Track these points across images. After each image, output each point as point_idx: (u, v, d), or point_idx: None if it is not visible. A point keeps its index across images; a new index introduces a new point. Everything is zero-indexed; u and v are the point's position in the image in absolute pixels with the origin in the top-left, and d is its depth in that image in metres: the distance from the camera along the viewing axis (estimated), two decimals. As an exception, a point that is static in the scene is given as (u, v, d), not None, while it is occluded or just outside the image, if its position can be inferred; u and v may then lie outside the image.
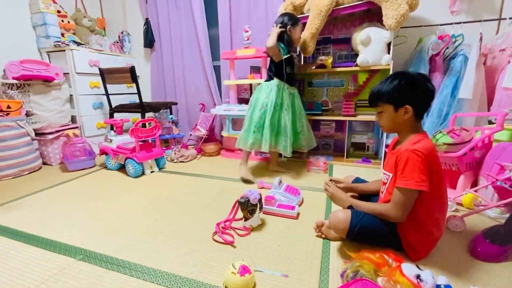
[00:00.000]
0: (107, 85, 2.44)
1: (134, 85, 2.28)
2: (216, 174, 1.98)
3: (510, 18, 1.82)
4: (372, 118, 2.05)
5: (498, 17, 1.90)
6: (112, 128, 2.37)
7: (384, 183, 1.03)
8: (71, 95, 2.47)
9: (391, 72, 1.84)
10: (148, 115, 2.48)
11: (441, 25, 1.97)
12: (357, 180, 1.27)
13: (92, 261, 1.01)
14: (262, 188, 1.69)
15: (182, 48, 2.90)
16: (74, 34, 2.77)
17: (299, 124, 1.89)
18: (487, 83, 1.83)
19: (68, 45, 2.42)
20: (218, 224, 1.20)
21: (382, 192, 1.05)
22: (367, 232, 0.96)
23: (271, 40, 1.70)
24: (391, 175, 0.97)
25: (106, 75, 2.38)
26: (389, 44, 1.87)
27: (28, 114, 2.17)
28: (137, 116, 2.79)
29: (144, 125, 2.12)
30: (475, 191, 1.32)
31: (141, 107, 2.36)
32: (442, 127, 1.80)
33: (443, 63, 1.92)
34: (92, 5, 3.08)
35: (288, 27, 1.76)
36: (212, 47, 2.79)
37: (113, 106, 2.52)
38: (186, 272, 0.93)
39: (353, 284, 0.72)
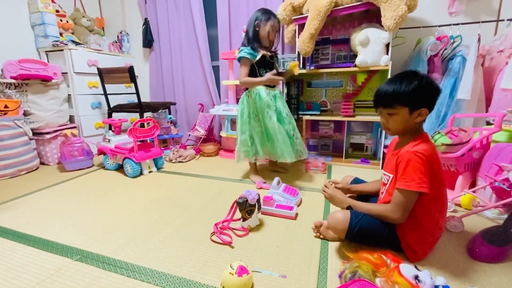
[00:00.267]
0: (106, 85, 2.43)
1: (133, 85, 2.28)
2: (215, 175, 1.98)
3: (508, 20, 1.83)
4: (371, 118, 2.05)
5: (496, 19, 1.91)
6: (110, 128, 2.36)
7: (384, 184, 1.03)
8: (69, 95, 2.46)
9: (389, 73, 1.86)
10: (147, 115, 2.48)
11: (439, 26, 1.98)
12: (356, 180, 1.27)
13: (89, 261, 1.00)
14: (260, 188, 1.69)
15: (181, 48, 2.89)
16: (72, 33, 2.76)
17: (290, 127, 1.73)
18: (485, 84, 1.83)
19: (67, 44, 2.41)
20: (216, 225, 1.20)
21: (382, 193, 1.05)
22: (366, 233, 0.96)
23: (242, 79, 1.70)
24: (391, 176, 0.97)
25: (104, 75, 2.37)
26: (387, 45, 1.87)
27: (26, 114, 2.16)
28: (135, 116, 2.80)
29: (142, 125, 2.12)
30: (474, 191, 1.32)
31: (140, 107, 2.35)
32: (441, 128, 1.80)
33: (441, 64, 1.93)
34: (91, 5, 3.08)
35: (256, 21, 1.65)
36: (211, 47, 2.79)
37: (111, 106, 2.51)
38: (183, 273, 0.93)
39: (351, 284, 0.72)
